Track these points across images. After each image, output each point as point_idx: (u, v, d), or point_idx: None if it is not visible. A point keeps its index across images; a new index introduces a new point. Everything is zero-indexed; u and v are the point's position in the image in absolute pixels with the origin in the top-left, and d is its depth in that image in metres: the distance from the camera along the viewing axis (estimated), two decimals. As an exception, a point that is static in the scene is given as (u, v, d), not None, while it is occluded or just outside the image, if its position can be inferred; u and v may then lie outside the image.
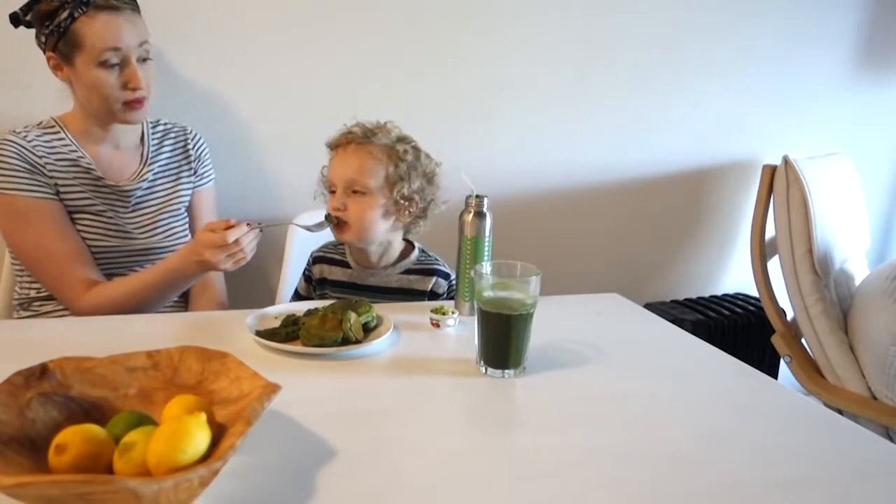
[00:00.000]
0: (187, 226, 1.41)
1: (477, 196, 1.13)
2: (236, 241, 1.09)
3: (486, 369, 0.94)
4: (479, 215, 1.13)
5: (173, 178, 1.39)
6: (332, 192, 1.24)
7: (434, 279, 1.29)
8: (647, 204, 2.03)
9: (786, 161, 1.74)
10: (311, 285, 1.35)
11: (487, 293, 0.93)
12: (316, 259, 1.34)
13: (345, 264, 1.31)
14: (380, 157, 1.21)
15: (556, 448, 0.75)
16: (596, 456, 0.73)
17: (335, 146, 1.25)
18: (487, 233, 1.14)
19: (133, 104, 1.23)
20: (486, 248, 1.14)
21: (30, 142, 1.22)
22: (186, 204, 1.42)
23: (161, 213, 1.36)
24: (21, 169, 1.20)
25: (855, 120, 2.16)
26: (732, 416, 0.84)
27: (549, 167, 1.91)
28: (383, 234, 1.26)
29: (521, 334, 0.92)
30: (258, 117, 1.65)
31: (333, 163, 1.25)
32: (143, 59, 1.23)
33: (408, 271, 1.30)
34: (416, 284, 1.29)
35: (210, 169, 1.47)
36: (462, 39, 1.75)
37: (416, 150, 1.26)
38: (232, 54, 1.60)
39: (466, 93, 1.79)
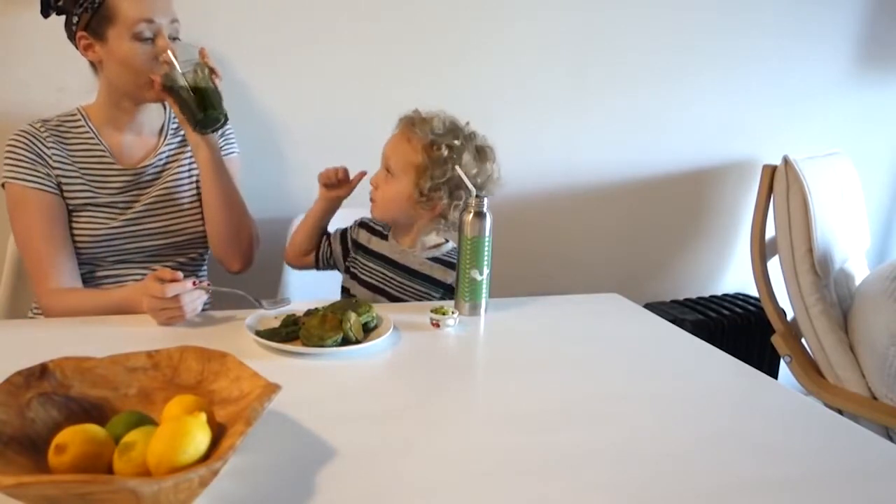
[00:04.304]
0: (199, 205, 1.36)
1: (477, 196, 1.14)
2: (175, 297, 1.04)
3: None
4: (479, 215, 1.13)
5: (188, 153, 1.36)
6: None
7: (454, 274, 1.30)
8: (647, 204, 2.03)
9: (786, 161, 1.74)
10: (346, 243, 1.39)
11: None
12: (361, 224, 1.39)
13: (384, 237, 1.36)
14: (416, 146, 1.24)
15: (556, 448, 0.75)
16: (596, 456, 0.73)
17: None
18: (487, 233, 1.14)
19: None
20: (486, 249, 1.14)
21: (41, 132, 1.25)
22: (197, 179, 1.36)
23: (173, 193, 1.34)
24: (26, 158, 1.23)
25: (855, 120, 2.16)
26: (732, 416, 0.84)
27: (548, 167, 1.91)
28: (407, 219, 1.29)
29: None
30: (258, 118, 1.65)
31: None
32: (173, 38, 1.23)
33: (435, 259, 1.31)
34: (437, 273, 1.30)
35: (229, 143, 1.41)
36: (461, 40, 1.75)
37: (459, 149, 1.24)
38: (229, 54, 1.59)
39: (466, 93, 1.78)
